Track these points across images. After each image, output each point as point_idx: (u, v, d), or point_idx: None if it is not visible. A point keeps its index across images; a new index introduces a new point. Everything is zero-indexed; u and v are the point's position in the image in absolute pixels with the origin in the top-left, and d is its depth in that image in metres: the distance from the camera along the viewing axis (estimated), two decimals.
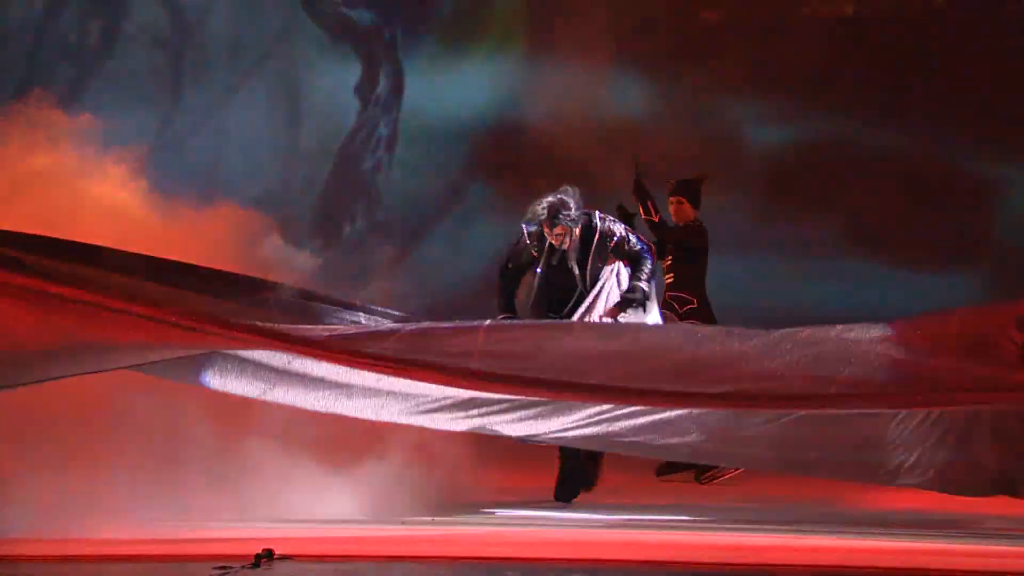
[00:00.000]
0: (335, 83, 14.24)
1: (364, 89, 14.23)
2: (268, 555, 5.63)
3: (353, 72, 14.20)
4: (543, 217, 7.87)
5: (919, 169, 12.90)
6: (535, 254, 8.00)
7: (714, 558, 5.75)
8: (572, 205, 7.87)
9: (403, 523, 6.84)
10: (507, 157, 13.52)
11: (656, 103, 12.87)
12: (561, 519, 7.40)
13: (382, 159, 14.18)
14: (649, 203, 8.93)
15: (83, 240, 6.84)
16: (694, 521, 7.33)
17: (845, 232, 12.97)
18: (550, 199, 7.88)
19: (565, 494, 8.05)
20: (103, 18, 14.55)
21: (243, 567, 5.49)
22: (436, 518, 7.08)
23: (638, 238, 8.10)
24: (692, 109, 12.89)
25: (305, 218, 13.16)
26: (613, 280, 8.01)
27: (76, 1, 14.66)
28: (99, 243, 6.88)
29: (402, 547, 6.10)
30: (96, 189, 7.87)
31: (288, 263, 8.12)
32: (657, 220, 8.92)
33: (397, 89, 14.18)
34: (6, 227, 6.71)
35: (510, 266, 8.11)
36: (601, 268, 7.98)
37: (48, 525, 6.24)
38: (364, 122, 14.23)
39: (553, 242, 7.92)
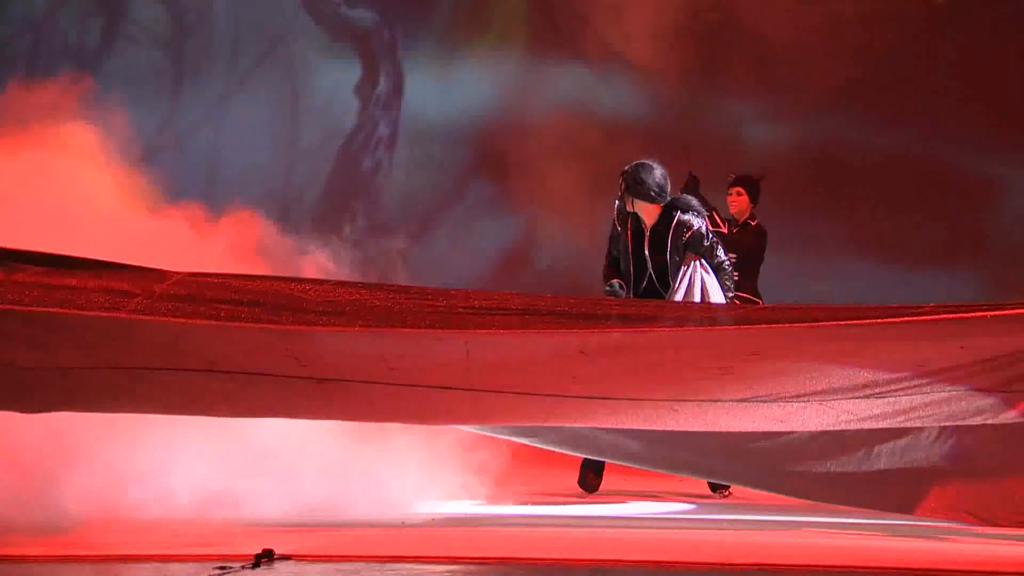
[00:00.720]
0: (335, 83, 14.24)
1: (364, 89, 14.23)
2: (268, 555, 5.63)
3: (353, 72, 14.20)
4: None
5: (919, 169, 12.90)
6: (619, 228, 7.96)
7: (714, 558, 5.75)
8: (647, 177, 7.82)
9: (403, 523, 6.84)
10: (507, 157, 13.52)
11: (656, 102, 12.86)
12: (560, 519, 7.40)
13: (382, 159, 14.18)
14: (715, 214, 9.19)
15: (81, 240, 6.83)
16: (694, 521, 7.33)
17: (845, 232, 12.97)
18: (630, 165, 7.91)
19: (589, 484, 8.09)
20: (103, 18, 14.56)
21: (243, 567, 5.49)
22: (436, 517, 7.08)
23: (723, 248, 7.95)
24: (692, 108, 12.88)
25: (305, 218, 13.16)
26: (697, 289, 7.82)
27: (76, 1, 14.66)
28: (97, 243, 6.87)
29: (402, 547, 6.10)
30: (95, 189, 7.87)
31: (288, 263, 8.12)
32: (725, 232, 9.13)
33: (397, 89, 14.19)
34: (4, 228, 6.70)
35: (612, 252, 8.04)
36: (678, 263, 7.83)
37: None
38: (364, 122, 14.23)
39: (626, 206, 7.86)
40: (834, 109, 12.93)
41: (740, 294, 9.16)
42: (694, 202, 8.00)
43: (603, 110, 13.27)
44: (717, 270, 7.79)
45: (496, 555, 5.84)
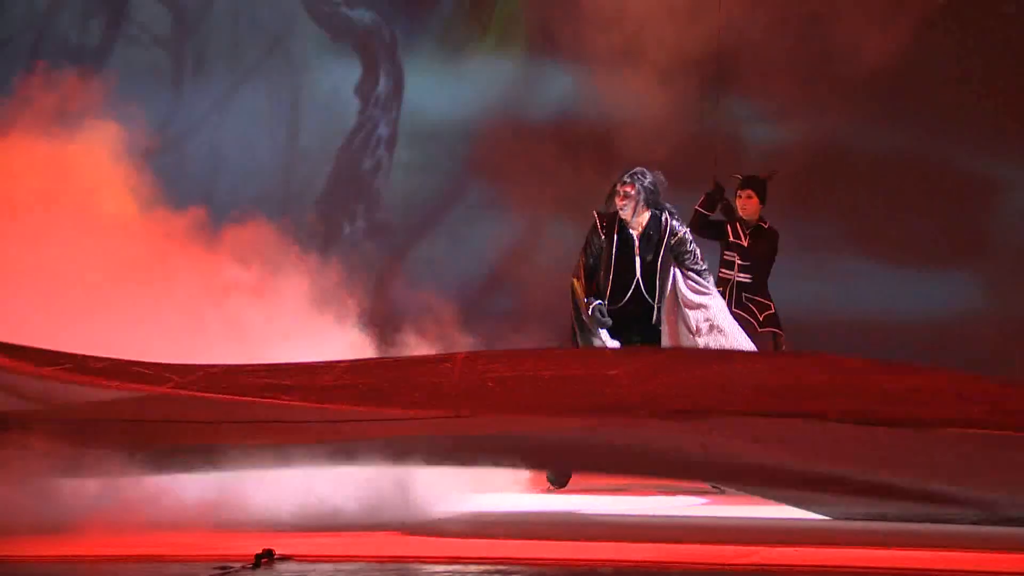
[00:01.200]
0: (335, 83, 14.23)
1: (364, 89, 14.22)
2: (268, 555, 5.62)
3: (353, 72, 14.19)
4: (625, 175, 7.92)
5: (919, 169, 12.89)
6: (603, 235, 7.96)
7: (714, 558, 5.74)
8: (659, 184, 7.95)
9: (403, 523, 6.84)
10: (507, 157, 13.51)
11: (656, 102, 12.85)
12: (559, 518, 7.39)
13: (382, 159, 14.17)
14: (738, 225, 9.17)
15: (81, 240, 6.83)
16: (694, 520, 7.33)
17: (845, 232, 12.96)
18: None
19: (559, 478, 8.11)
20: (103, 18, 14.55)
21: (243, 567, 5.49)
22: (436, 516, 7.08)
23: (703, 261, 8.04)
24: (692, 108, 12.88)
25: (305, 218, 13.15)
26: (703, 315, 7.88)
27: (76, 1, 14.66)
28: (97, 242, 6.87)
29: (402, 547, 6.10)
30: (94, 190, 7.87)
31: (287, 263, 8.12)
32: (747, 245, 9.11)
33: (397, 89, 14.18)
34: (2, 234, 6.69)
35: (588, 261, 8.03)
36: (667, 272, 7.90)
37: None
38: (364, 122, 14.22)
39: (617, 202, 7.88)
40: (834, 110, 12.92)
41: (756, 298, 9.15)
42: (671, 207, 8.06)
43: (602, 110, 13.26)
44: (698, 275, 7.88)
45: (496, 555, 5.84)
